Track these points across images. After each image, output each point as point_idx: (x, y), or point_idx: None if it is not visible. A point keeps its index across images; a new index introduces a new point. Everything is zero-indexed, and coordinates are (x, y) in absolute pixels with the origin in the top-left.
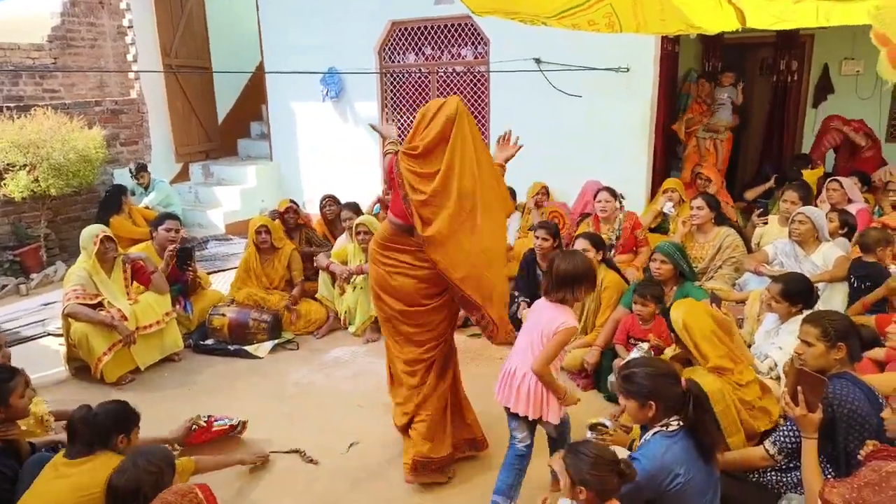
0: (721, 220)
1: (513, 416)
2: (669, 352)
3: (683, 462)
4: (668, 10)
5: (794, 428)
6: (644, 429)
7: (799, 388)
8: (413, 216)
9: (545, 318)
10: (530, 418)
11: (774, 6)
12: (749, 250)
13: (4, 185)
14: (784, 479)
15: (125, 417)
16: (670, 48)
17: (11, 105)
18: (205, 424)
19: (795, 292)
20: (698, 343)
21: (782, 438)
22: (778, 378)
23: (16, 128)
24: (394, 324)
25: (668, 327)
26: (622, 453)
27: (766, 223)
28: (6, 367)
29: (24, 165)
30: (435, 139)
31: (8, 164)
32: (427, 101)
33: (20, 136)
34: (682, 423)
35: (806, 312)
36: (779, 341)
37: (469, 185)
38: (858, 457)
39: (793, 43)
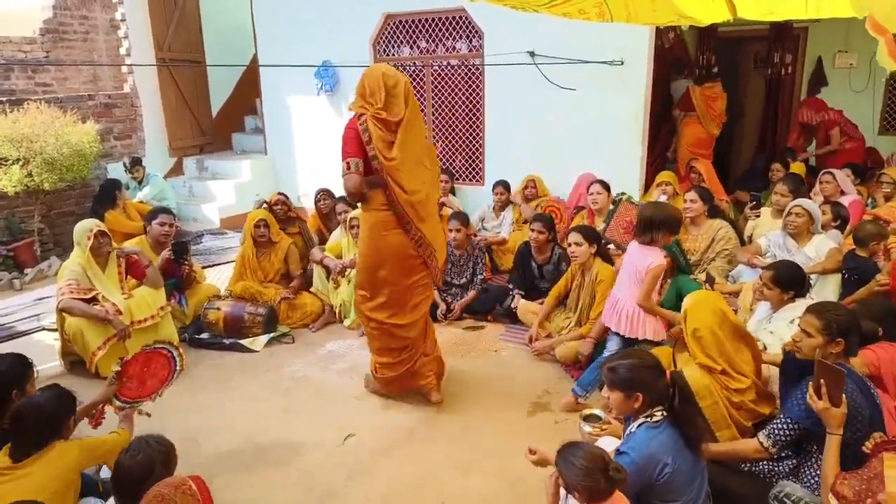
0: (714, 212)
1: (614, 333)
2: None
3: (670, 451)
4: (660, 0)
5: (789, 420)
6: (628, 421)
7: (822, 381)
8: (388, 180)
9: (636, 257)
10: (626, 336)
11: (766, 0)
12: (742, 243)
13: None
14: (777, 469)
15: (69, 399)
16: (664, 42)
17: (4, 99)
18: (119, 368)
19: (787, 279)
20: (688, 338)
21: (777, 431)
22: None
23: (9, 122)
24: (391, 289)
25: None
26: (615, 444)
27: (758, 216)
28: (24, 358)
29: (18, 160)
30: (406, 114)
31: (1, 159)
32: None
33: (13, 130)
34: (665, 414)
35: (799, 300)
36: (771, 326)
37: (422, 149)
38: (864, 449)
39: (786, 36)
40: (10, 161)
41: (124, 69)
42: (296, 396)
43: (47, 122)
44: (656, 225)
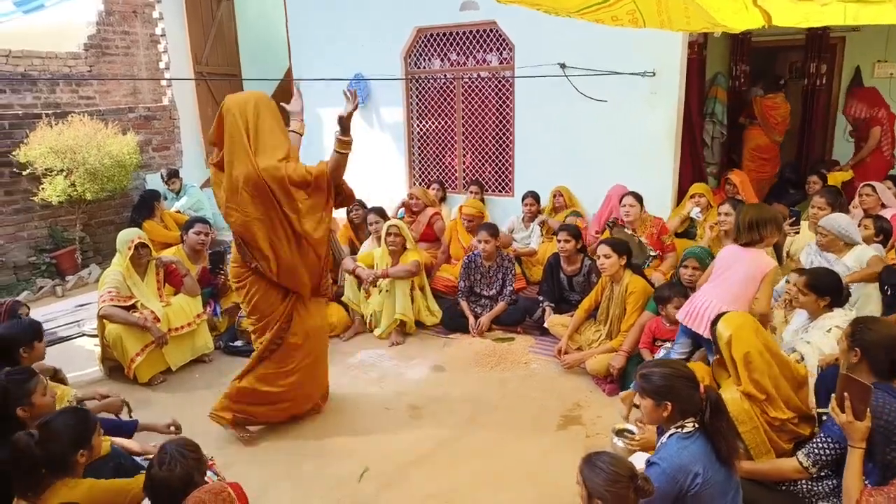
0: None
1: (687, 331)
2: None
3: (701, 461)
4: (693, 9)
5: (829, 439)
6: (661, 433)
7: (846, 394)
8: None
9: (744, 261)
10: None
11: (801, 8)
12: (780, 259)
13: (42, 189)
14: (816, 489)
15: (83, 427)
16: (698, 52)
17: (49, 112)
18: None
19: (821, 284)
20: (738, 363)
21: (817, 450)
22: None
23: (54, 134)
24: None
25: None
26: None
27: (797, 232)
28: (23, 368)
29: (62, 170)
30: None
31: (46, 169)
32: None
33: (58, 142)
34: (697, 426)
35: (836, 310)
36: (807, 336)
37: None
38: None
39: (823, 45)
40: (55, 172)
41: (163, 83)
42: (327, 405)
43: (90, 133)
44: (763, 224)
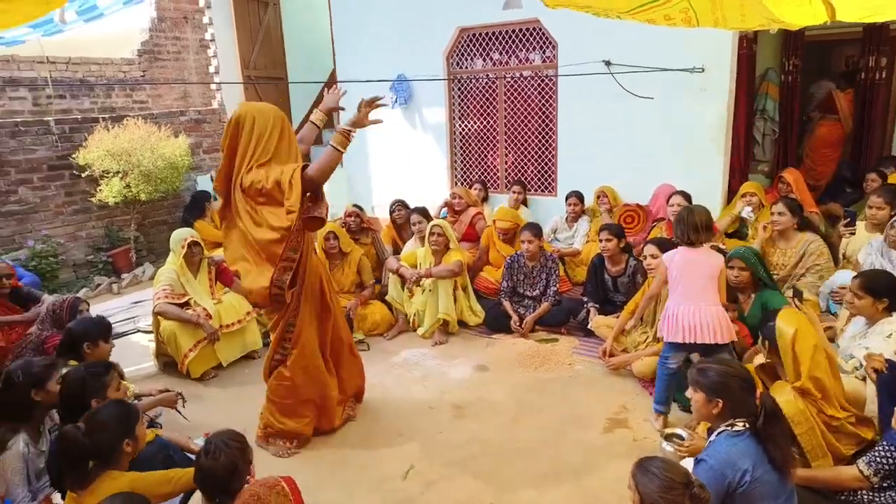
0: (804, 225)
1: (675, 346)
2: (759, 359)
3: (750, 458)
4: (750, 5)
5: (893, 447)
6: (711, 434)
7: None
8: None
9: (697, 262)
10: (722, 343)
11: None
12: (836, 260)
13: (100, 190)
14: (878, 500)
15: (127, 417)
16: (748, 47)
17: (106, 116)
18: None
19: (878, 286)
20: (801, 359)
21: (879, 459)
22: (864, 378)
23: (110, 137)
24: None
25: (748, 333)
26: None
27: (853, 234)
28: (103, 362)
29: (118, 172)
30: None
31: (103, 171)
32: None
33: (114, 144)
34: (747, 426)
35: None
36: (866, 342)
37: None
38: None
39: (883, 38)
40: (111, 173)
41: (213, 86)
42: (371, 405)
43: (144, 136)
44: (704, 227)
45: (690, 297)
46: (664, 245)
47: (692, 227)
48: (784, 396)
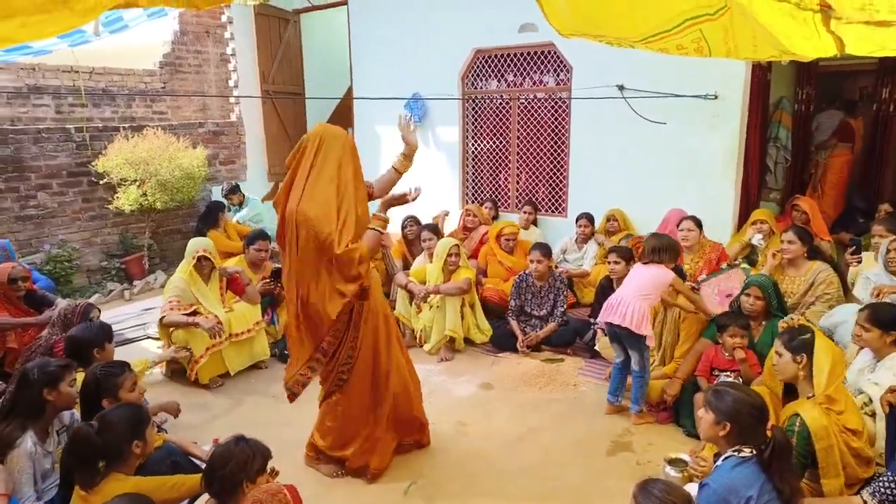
0: (814, 254)
1: (612, 335)
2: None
3: (754, 486)
4: (761, 36)
5: None
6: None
7: None
8: None
9: (649, 275)
10: (635, 331)
11: (877, 35)
12: (845, 288)
13: (116, 198)
14: None
15: (137, 419)
16: (762, 75)
17: (126, 125)
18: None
19: (885, 317)
20: (832, 366)
21: (883, 489)
22: (873, 414)
23: (129, 146)
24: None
25: (756, 361)
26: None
27: (859, 262)
28: (119, 362)
29: (135, 180)
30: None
31: (121, 179)
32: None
33: (133, 153)
34: (754, 454)
35: None
36: (874, 377)
37: None
38: None
39: None
40: (129, 182)
41: (232, 99)
42: None
43: (162, 146)
44: (662, 250)
45: (625, 290)
46: (625, 254)
47: (650, 248)
48: (811, 413)
